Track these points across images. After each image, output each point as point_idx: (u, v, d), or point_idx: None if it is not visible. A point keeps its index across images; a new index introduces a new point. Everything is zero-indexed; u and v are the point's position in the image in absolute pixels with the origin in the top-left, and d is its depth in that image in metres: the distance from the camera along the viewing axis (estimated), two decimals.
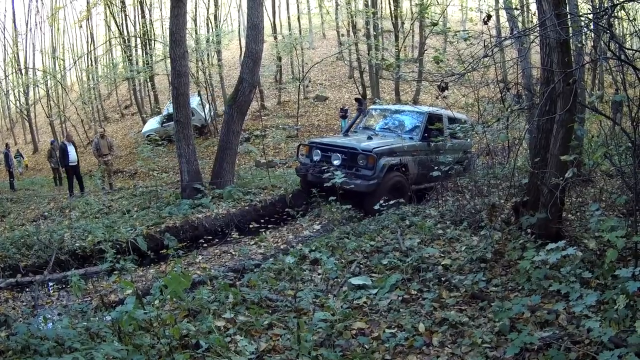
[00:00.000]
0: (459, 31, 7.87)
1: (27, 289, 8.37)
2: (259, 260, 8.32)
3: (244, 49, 14.13)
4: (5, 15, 70.61)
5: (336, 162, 11.09)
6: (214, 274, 7.02)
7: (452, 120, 12.36)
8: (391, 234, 8.02)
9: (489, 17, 7.96)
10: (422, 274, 6.01)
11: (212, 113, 27.72)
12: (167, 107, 28.06)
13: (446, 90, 6.90)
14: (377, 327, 4.79)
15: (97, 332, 4.49)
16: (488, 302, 4.98)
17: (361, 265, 6.81)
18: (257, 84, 13.56)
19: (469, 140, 13.13)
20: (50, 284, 8.70)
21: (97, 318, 5.35)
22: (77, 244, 9.71)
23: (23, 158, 32.45)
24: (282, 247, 9.15)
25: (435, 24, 9.69)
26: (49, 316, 6.75)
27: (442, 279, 5.83)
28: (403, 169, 11.20)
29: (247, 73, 13.04)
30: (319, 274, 6.70)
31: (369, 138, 11.75)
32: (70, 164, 17.31)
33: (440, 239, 7.44)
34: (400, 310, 5.12)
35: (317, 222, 10.43)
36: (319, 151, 11.78)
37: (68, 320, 5.02)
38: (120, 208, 13.00)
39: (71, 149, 17.33)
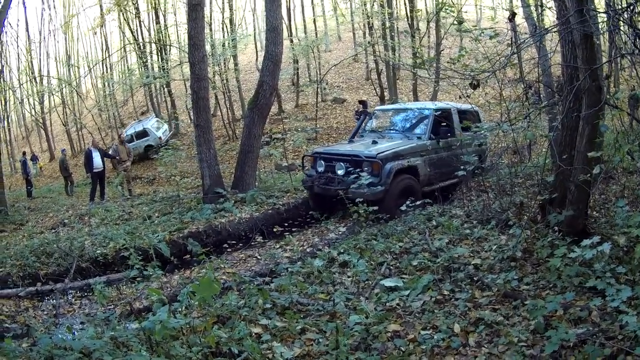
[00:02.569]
0: (485, 29, 7.64)
1: (48, 298, 8.27)
2: (286, 263, 8.11)
3: (260, 53, 13.95)
4: (18, 25, 70.80)
5: (340, 172, 10.69)
6: (241, 278, 6.76)
7: (462, 113, 12.07)
8: (418, 234, 7.86)
9: (514, 14, 7.76)
10: (453, 274, 5.90)
11: (168, 133, 29.55)
12: (134, 126, 29.48)
13: (477, 88, 6.68)
14: (412, 329, 4.67)
15: (124, 341, 4.31)
16: (521, 301, 4.88)
17: (391, 267, 6.67)
18: (277, 87, 13.33)
19: (482, 132, 12.77)
20: (72, 292, 8.48)
21: (122, 326, 5.15)
22: (98, 251, 9.56)
23: (38, 161, 32.91)
24: (308, 250, 8.88)
25: (461, 22, 9.36)
26: (72, 325, 6.59)
27: (474, 278, 5.71)
28: (412, 172, 10.76)
29: (267, 76, 12.87)
30: (348, 277, 6.53)
31: (374, 142, 11.22)
32: (95, 169, 17.19)
33: (468, 238, 7.26)
34: (434, 311, 5.00)
35: (342, 225, 10.19)
36: (322, 162, 11.36)
37: (93, 330, 4.83)
38: (140, 214, 12.84)
39: (96, 155, 17.22)
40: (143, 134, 27.55)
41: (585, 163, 5.65)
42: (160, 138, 27.91)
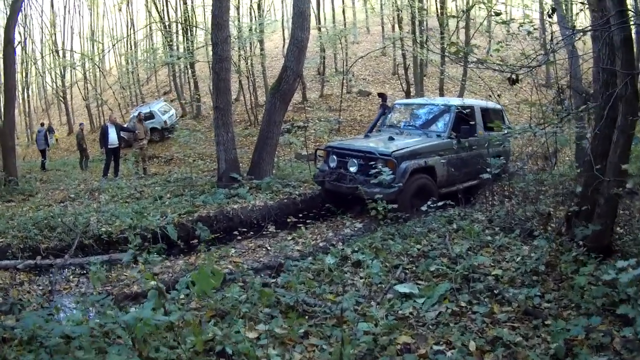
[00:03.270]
0: (524, 22, 7.13)
1: (46, 273, 7.95)
2: (296, 257, 7.68)
3: (287, 40, 13.37)
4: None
5: (353, 169, 10.15)
6: (246, 272, 6.34)
7: (485, 111, 11.48)
8: (438, 237, 7.39)
9: (553, 10, 7.26)
10: (472, 284, 5.46)
11: (175, 118, 29.59)
12: (142, 108, 29.49)
13: (516, 84, 6.20)
14: (424, 343, 4.25)
15: (109, 330, 3.94)
16: (542, 320, 4.55)
17: (407, 271, 6.21)
18: (301, 73, 12.83)
19: (506, 132, 12.18)
20: (72, 268, 8.17)
21: (113, 312, 4.75)
22: (103, 229, 9.20)
23: (54, 133, 33.06)
24: (321, 244, 8.42)
25: (498, 14, 8.85)
26: (64, 304, 6.26)
27: (494, 291, 5.30)
28: (429, 172, 10.17)
29: (291, 61, 12.39)
30: (361, 278, 6.09)
31: (390, 139, 10.58)
32: (109, 145, 16.98)
33: (489, 246, 6.79)
34: (450, 324, 4.60)
35: (359, 220, 9.63)
36: (334, 157, 10.74)
37: (80, 314, 4.48)
38: (152, 194, 12.48)
39: (112, 131, 17.02)
40: (149, 116, 27.42)
41: (616, 175, 5.32)
42: (165, 122, 28.22)
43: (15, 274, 7.70)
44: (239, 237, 9.18)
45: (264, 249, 8.41)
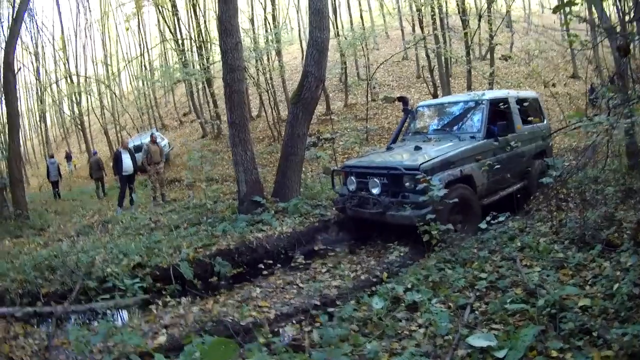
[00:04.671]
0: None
1: (46, 322, 6.87)
2: (334, 296, 6.41)
3: (305, 52, 12.00)
4: (54, 26, 72.16)
5: (375, 190, 8.57)
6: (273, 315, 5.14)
7: (520, 101, 10.00)
8: (503, 260, 6.14)
9: None
10: (560, 323, 4.24)
11: (168, 148, 28.53)
12: (134, 140, 28.51)
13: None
14: None
15: None
16: None
17: (476, 312, 4.91)
18: (324, 78, 11.47)
19: (545, 122, 10.79)
20: (74, 316, 7.15)
21: None
22: (108, 269, 7.98)
23: (72, 159, 33.77)
24: (362, 277, 7.09)
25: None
26: None
27: (588, 328, 4.10)
28: (467, 182, 8.53)
29: (312, 65, 11.02)
30: (419, 326, 4.81)
31: (417, 148, 8.88)
32: (124, 172, 15.96)
33: (565, 266, 5.53)
34: None
35: (403, 243, 8.10)
36: (352, 178, 9.17)
37: None
38: (168, 223, 11.32)
39: (126, 157, 16.02)
40: (139, 148, 26.74)
41: None
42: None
43: (11, 324, 6.55)
44: (265, 272, 8.00)
45: (294, 287, 7.09)
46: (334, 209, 9.83)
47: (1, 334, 6.28)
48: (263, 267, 8.17)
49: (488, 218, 6.95)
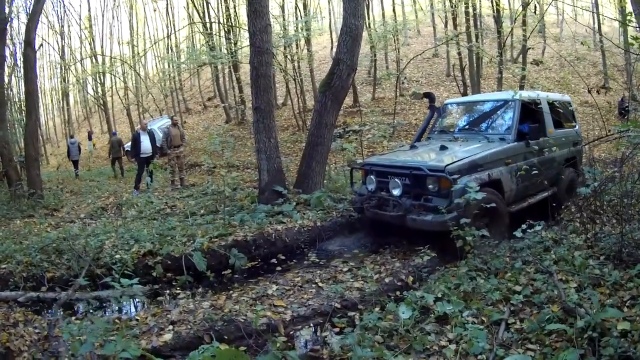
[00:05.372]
0: None
1: (49, 309, 6.50)
2: (356, 299, 5.91)
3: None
4: (81, 6, 72.65)
5: (396, 191, 7.87)
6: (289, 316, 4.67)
7: (552, 104, 9.37)
8: (536, 272, 5.63)
9: None
10: (599, 348, 3.81)
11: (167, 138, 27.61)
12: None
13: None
14: None
15: None
16: None
17: (511, 330, 4.44)
18: (356, 67, 10.87)
19: (577, 127, 10.20)
20: (79, 303, 6.72)
21: None
22: (117, 255, 7.54)
23: (92, 139, 33.46)
24: (386, 280, 6.53)
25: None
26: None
27: (628, 354, 3.67)
28: (495, 186, 7.86)
29: (344, 53, 10.46)
30: (450, 341, 4.32)
31: (442, 148, 8.24)
32: (142, 155, 15.65)
33: (602, 284, 5.01)
34: None
35: (431, 246, 7.28)
36: (372, 177, 8.47)
37: None
38: (184, 209, 10.87)
39: (145, 139, 15.74)
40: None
41: None
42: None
43: (12, 311, 6.12)
44: (281, 267, 7.61)
45: (313, 285, 6.57)
46: (353, 209, 9.16)
47: (1, 321, 5.88)
48: (280, 262, 7.78)
49: (524, 226, 6.39)
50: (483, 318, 4.66)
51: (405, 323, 4.53)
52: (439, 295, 5.22)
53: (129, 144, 26.23)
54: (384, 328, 4.57)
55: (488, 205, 6.94)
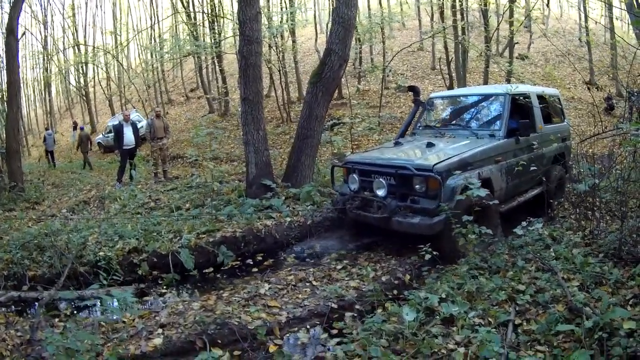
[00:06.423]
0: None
1: (32, 309, 6.33)
2: (353, 299, 5.67)
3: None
4: None
5: (381, 192, 7.30)
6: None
7: (542, 98, 9.02)
8: (537, 271, 5.48)
9: None
10: (607, 348, 3.72)
11: (144, 130, 24.74)
12: (112, 120, 28.75)
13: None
14: None
15: None
16: None
17: (518, 331, 4.34)
18: (347, 58, 10.60)
19: (565, 122, 9.94)
20: (62, 303, 6.42)
21: None
22: (101, 253, 7.25)
23: (82, 129, 33.06)
24: (383, 279, 6.29)
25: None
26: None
27: (637, 354, 3.59)
28: (485, 186, 7.27)
29: (336, 43, 10.18)
30: (457, 344, 4.11)
31: (429, 145, 7.87)
32: (125, 146, 15.28)
33: (604, 282, 4.91)
34: None
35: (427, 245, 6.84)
36: (355, 176, 7.87)
37: None
38: (169, 203, 10.57)
39: (127, 130, 15.34)
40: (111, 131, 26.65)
41: None
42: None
43: None
44: (273, 265, 7.34)
45: (307, 284, 6.32)
46: (334, 209, 8.53)
47: None
48: (271, 259, 7.56)
49: (524, 224, 6.29)
50: (489, 319, 4.49)
51: (411, 325, 4.32)
52: (443, 295, 5.00)
53: (100, 137, 26.06)
54: (388, 331, 4.34)
55: (477, 208, 6.63)
